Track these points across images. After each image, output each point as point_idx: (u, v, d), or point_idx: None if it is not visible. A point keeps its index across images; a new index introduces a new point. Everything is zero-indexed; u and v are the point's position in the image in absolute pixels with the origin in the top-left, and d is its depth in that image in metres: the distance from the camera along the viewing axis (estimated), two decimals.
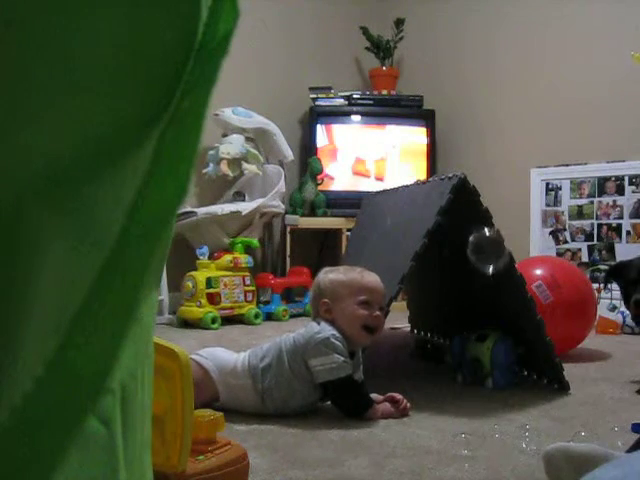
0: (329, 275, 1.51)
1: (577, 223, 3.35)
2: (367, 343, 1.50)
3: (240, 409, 1.40)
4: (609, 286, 2.00)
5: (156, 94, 0.27)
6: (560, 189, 3.42)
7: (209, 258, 3.07)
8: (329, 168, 3.78)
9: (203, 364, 1.42)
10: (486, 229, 1.56)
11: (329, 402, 1.45)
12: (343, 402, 1.42)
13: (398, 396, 1.44)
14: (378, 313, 1.46)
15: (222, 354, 1.48)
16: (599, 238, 3.27)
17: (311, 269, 3.34)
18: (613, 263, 3.02)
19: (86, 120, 0.25)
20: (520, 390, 1.66)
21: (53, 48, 0.23)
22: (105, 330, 0.29)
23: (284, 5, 3.93)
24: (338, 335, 1.41)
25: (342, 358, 1.39)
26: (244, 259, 3.11)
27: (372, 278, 1.50)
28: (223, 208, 3.20)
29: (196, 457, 0.94)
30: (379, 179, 3.83)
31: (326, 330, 1.41)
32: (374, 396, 1.44)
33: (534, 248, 3.45)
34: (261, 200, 3.29)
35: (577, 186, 3.35)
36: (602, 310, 2.49)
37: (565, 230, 3.39)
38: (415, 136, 3.91)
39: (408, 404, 1.43)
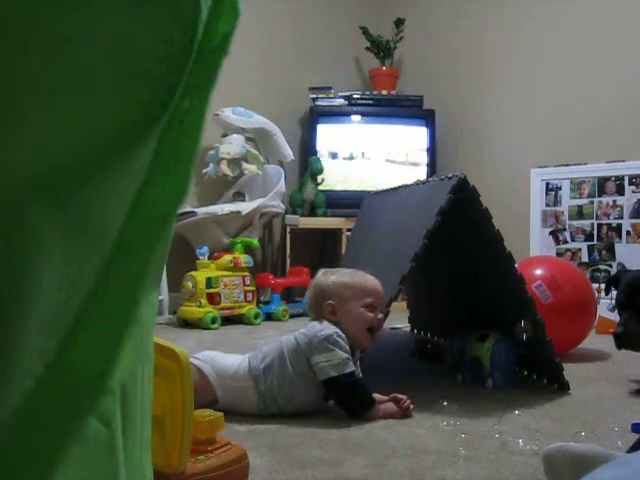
0: (331, 277, 1.52)
1: (577, 223, 3.34)
2: (368, 345, 1.51)
3: (240, 412, 1.39)
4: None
5: (156, 94, 0.27)
6: (560, 189, 3.41)
7: (209, 258, 3.07)
8: None
9: (202, 368, 1.40)
10: None
11: (332, 402, 1.45)
12: (346, 399, 1.42)
13: (401, 396, 1.44)
14: (381, 316, 1.50)
15: (221, 358, 1.46)
16: (599, 238, 3.27)
17: (311, 269, 3.34)
18: (615, 269, 3.03)
19: (86, 120, 0.25)
20: (520, 390, 1.66)
21: (54, 48, 0.23)
22: (105, 330, 0.29)
23: (284, 5, 3.93)
24: (341, 333, 1.42)
25: (345, 355, 1.40)
26: (244, 259, 3.11)
27: (374, 281, 1.53)
28: (223, 208, 3.20)
29: (196, 457, 0.94)
30: (379, 179, 3.83)
31: (329, 328, 1.43)
32: (378, 396, 1.43)
33: (534, 248, 3.44)
34: (261, 200, 3.29)
35: (577, 186, 3.34)
36: (602, 310, 2.48)
37: (565, 230, 3.39)
38: (415, 136, 3.91)
39: (411, 405, 1.43)
